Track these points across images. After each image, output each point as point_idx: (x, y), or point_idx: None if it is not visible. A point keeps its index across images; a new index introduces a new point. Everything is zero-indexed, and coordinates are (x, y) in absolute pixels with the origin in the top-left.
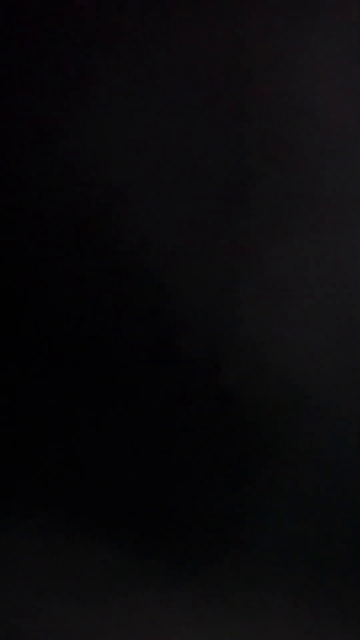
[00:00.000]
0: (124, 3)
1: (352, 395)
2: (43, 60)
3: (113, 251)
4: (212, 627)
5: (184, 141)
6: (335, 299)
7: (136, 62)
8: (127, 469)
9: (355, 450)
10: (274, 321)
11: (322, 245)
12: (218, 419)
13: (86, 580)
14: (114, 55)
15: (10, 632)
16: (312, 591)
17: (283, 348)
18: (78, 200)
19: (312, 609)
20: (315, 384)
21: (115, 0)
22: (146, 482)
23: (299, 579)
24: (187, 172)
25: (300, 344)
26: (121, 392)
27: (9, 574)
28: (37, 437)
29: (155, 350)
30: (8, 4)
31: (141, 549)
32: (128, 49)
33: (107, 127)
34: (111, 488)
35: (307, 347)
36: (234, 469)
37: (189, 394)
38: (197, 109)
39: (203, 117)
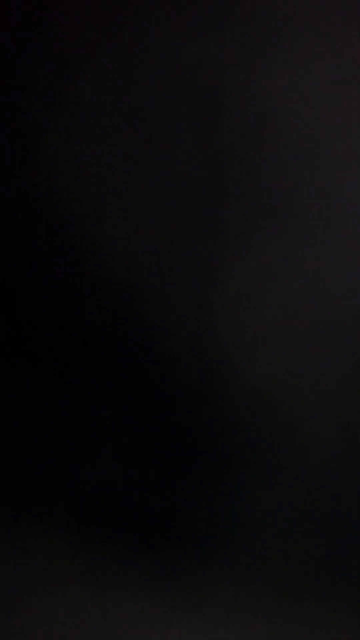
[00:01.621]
0: (98, 27)
1: (322, 402)
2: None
3: (92, 261)
4: (211, 626)
5: (157, 156)
6: (307, 309)
7: (109, 74)
8: (113, 469)
9: (323, 457)
10: (246, 331)
11: (294, 256)
12: (194, 417)
13: (86, 580)
14: (89, 72)
15: (10, 632)
16: (308, 590)
17: (255, 357)
18: (56, 210)
19: (310, 608)
20: (287, 393)
21: (89, 23)
22: (127, 483)
23: (295, 579)
24: (161, 186)
25: (272, 353)
26: (99, 394)
27: (8, 574)
28: (37, 437)
29: (131, 357)
30: None
31: (136, 549)
32: (102, 61)
33: (85, 142)
34: (104, 488)
35: (279, 357)
36: (211, 471)
37: (164, 393)
38: (172, 124)
39: (178, 131)
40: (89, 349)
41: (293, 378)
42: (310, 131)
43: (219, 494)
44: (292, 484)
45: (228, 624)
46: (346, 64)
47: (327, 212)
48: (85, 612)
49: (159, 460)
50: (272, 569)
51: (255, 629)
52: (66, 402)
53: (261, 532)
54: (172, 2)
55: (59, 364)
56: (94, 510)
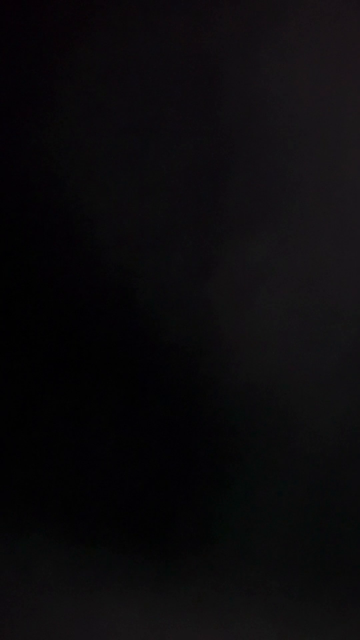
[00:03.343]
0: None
1: (321, 393)
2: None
3: (89, 246)
4: (210, 625)
5: (154, 144)
6: (305, 300)
7: (105, 58)
8: (109, 463)
9: (321, 448)
10: (243, 322)
11: (292, 246)
12: (192, 411)
13: (86, 580)
14: (80, 58)
15: (10, 632)
16: (309, 588)
17: (253, 348)
18: (52, 198)
19: (310, 606)
20: (285, 385)
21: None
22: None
23: (294, 578)
24: (158, 175)
25: (270, 344)
26: (95, 388)
27: (8, 574)
28: (35, 437)
29: (126, 350)
30: None
31: (133, 547)
32: (96, 43)
33: (80, 122)
34: (100, 487)
35: (277, 348)
36: (207, 464)
37: (160, 389)
38: (169, 113)
39: (176, 119)
40: (84, 341)
41: (291, 369)
42: (309, 120)
43: (217, 488)
44: (291, 477)
45: (227, 623)
46: (344, 47)
47: (326, 203)
48: (83, 611)
49: (155, 455)
50: (272, 566)
51: (256, 628)
52: (59, 396)
53: (260, 528)
54: None
55: (53, 356)
56: (91, 508)
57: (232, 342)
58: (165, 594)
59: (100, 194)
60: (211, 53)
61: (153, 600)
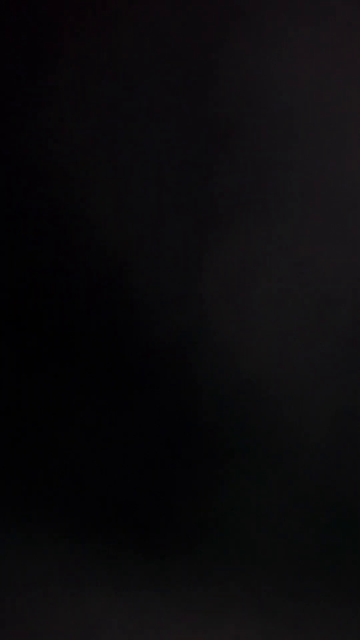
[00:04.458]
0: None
1: (316, 386)
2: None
3: (77, 240)
4: (208, 624)
5: (146, 126)
6: (299, 291)
7: (94, 49)
8: (101, 459)
9: (317, 445)
10: (237, 314)
11: (285, 237)
12: (184, 408)
13: (76, 576)
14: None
15: (10, 632)
16: (308, 587)
17: (247, 340)
18: (43, 187)
19: (311, 608)
20: (279, 378)
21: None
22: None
23: (296, 578)
24: (149, 164)
25: (264, 336)
26: (85, 382)
27: (8, 574)
28: (34, 436)
29: (119, 339)
30: None
31: (129, 545)
32: (86, 37)
33: (72, 111)
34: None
35: (271, 340)
36: (200, 463)
37: (155, 384)
38: (158, 100)
39: (165, 106)
40: (73, 337)
41: (285, 362)
42: (308, 108)
43: (212, 485)
44: (288, 473)
45: (224, 622)
46: (345, 31)
47: (319, 192)
48: (73, 607)
49: (149, 451)
50: (269, 562)
51: (253, 627)
52: (50, 392)
53: (257, 524)
54: None
55: (42, 352)
56: (82, 503)
57: (226, 335)
58: (159, 592)
59: (90, 184)
60: (207, 35)
61: (146, 598)
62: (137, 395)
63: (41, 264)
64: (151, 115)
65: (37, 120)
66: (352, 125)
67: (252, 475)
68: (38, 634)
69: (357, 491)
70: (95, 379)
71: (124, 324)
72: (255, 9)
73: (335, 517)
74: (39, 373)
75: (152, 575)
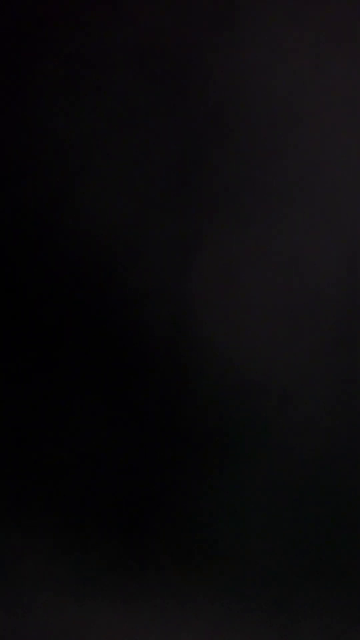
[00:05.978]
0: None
1: (305, 379)
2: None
3: (65, 242)
4: (211, 626)
5: (134, 129)
6: (287, 286)
7: (80, 44)
8: (91, 454)
9: (311, 442)
10: (226, 312)
11: (274, 233)
12: (176, 403)
13: (85, 579)
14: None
15: (10, 632)
16: (307, 586)
17: (235, 335)
18: (31, 182)
19: (308, 603)
20: (268, 372)
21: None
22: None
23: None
24: (137, 158)
25: (252, 331)
26: (74, 377)
27: (8, 574)
28: (34, 435)
29: (109, 335)
30: None
31: (121, 544)
32: (73, 32)
33: (62, 115)
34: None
35: (259, 334)
36: (193, 461)
37: (145, 380)
38: (146, 94)
39: (157, 104)
40: (63, 334)
41: (277, 358)
42: (304, 105)
43: (206, 483)
44: (286, 470)
45: (223, 622)
46: (342, 24)
47: (308, 189)
48: (63, 606)
49: (140, 448)
50: (268, 565)
51: (252, 629)
52: (40, 390)
53: (250, 522)
54: None
55: (32, 349)
56: (74, 502)
57: (217, 331)
58: (152, 595)
59: (78, 177)
60: (203, 29)
61: (138, 600)
62: (126, 394)
63: (30, 259)
64: (143, 109)
65: (31, 116)
66: (347, 123)
67: (247, 473)
68: (37, 635)
69: (351, 489)
70: (85, 375)
71: (114, 320)
72: (252, 1)
73: (331, 515)
74: (26, 371)
75: (143, 575)
